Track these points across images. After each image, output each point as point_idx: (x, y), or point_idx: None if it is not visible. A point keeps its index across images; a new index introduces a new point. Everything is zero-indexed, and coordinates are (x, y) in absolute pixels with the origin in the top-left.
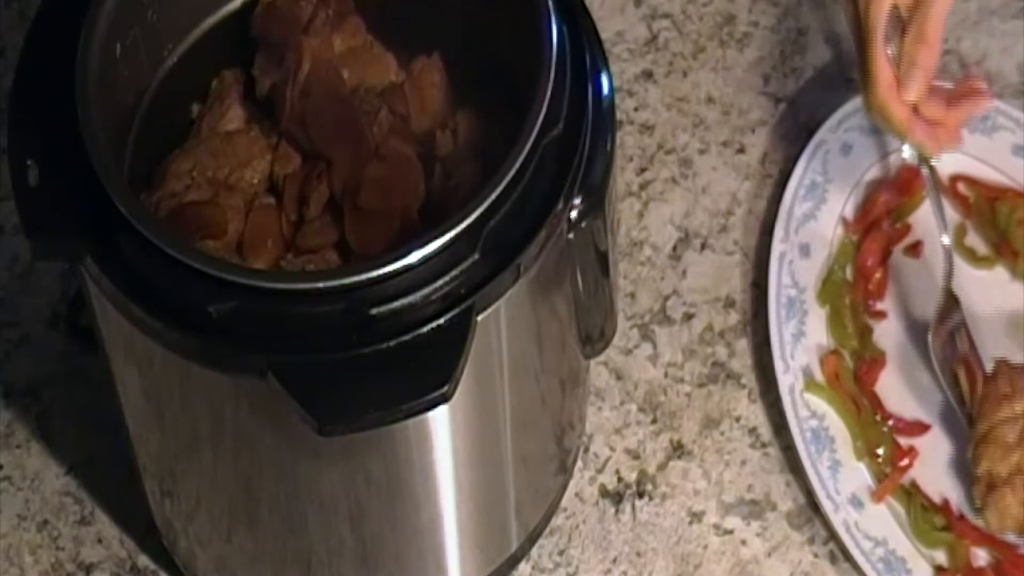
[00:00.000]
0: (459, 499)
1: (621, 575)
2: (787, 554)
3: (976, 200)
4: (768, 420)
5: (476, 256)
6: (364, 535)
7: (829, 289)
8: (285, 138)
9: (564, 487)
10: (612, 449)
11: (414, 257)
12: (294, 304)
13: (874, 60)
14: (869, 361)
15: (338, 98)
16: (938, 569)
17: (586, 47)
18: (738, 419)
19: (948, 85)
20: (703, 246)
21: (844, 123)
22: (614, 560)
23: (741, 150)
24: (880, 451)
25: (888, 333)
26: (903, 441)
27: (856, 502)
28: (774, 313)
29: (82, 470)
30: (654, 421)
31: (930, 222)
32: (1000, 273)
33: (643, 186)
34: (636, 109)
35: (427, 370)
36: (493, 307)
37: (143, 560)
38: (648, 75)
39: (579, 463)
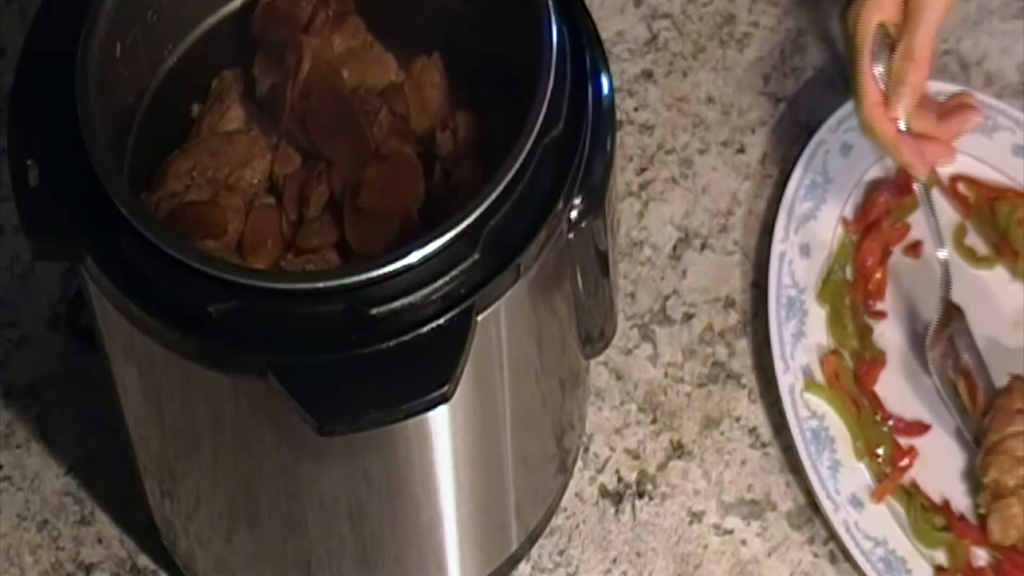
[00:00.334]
0: (459, 499)
1: (621, 575)
2: (787, 554)
3: (976, 200)
4: (768, 420)
5: (476, 256)
6: (364, 535)
7: (829, 289)
8: (285, 138)
9: (564, 487)
10: (612, 449)
11: (414, 257)
12: (294, 304)
13: (861, 78)
14: (869, 361)
15: (338, 98)
16: (938, 569)
17: (586, 47)
18: (738, 419)
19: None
20: (703, 246)
21: (844, 123)
22: (614, 560)
23: (741, 150)
24: (880, 451)
25: (888, 333)
26: (903, 441)
27: (856, 502)
28: (774, 313)
29: (82, 470)
30: (654, 421)
31: None
32: (1000, 273)
33: (643, 186)
34: (636, 109)
35: (427, 370)
36: (493, 307)
37: (143, 560)
38: (648, 75)
39: (579, 463)
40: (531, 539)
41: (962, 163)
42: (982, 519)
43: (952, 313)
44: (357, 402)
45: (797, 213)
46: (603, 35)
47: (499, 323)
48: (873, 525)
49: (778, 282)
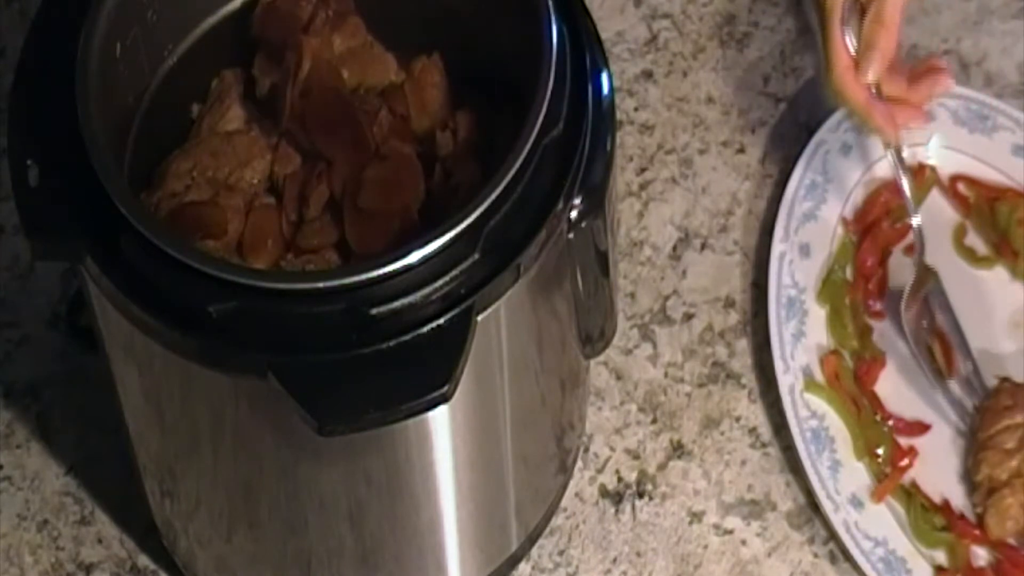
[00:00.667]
0: (459, 499)
1: (621, 575)
2: (787, 554)
3: (976, 200)
4: (768, 420)
5: (476, 256)
6: (364, 535)
7: (829, 289)
8: (285, 138)
9: (564, 487)
10: (612, 449)
11: (414, 257)
12: (294, 304)
13: (831, 42)
14: (869, 361)
15: (338, 98)
16: (938, 569)
17: (586, 47)
18: (738, 419)
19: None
20: (703, 246)
21: (844, 123)
22: (614, 560)
23: (741, 150)
24: (880, 451)
25: (888, 333)
26: (903, 441)
27: (856, 502)
28: (774, 313)
29: (82, 470)
30: (654, 421)
31: (930, 222)
32: (1000, 273)
33: (643, 186)
34: (636, 109)
35: (427, 370)
36: (493, 307)
37: (143, 560)
38: (648, 75)
39: (579, 463)
40: (531, 539)
41: (962, 163)
42: (980, 518)
43: (927, 275)
44: (357, 402)
45: (797, 213)
46: (603, 35)
47: (499, 323)
48: (873, 525)
49: (778, 282)
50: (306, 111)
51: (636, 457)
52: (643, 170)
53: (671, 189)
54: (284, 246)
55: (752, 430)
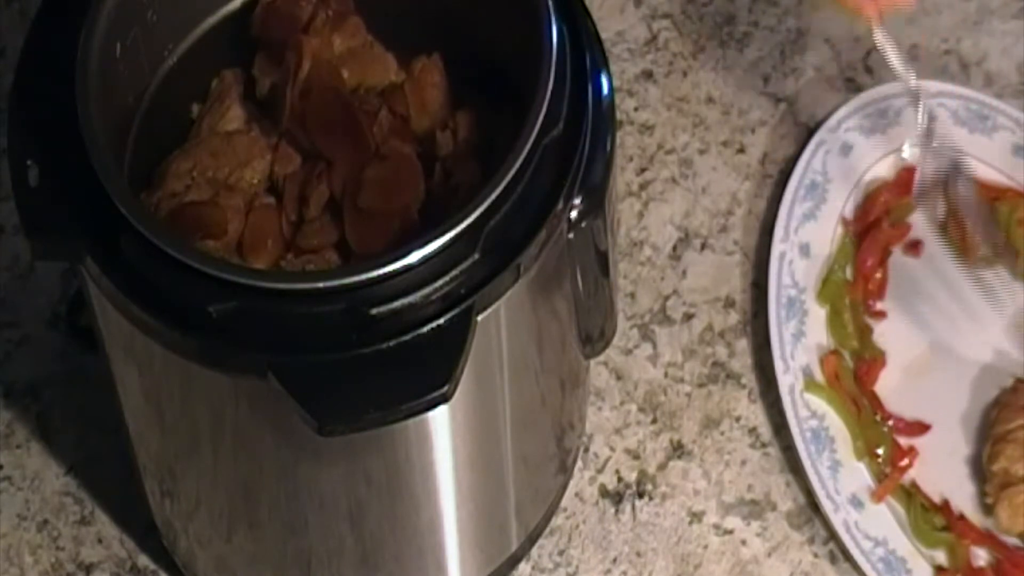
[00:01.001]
0: (459, 499)
1: (621, 575)
2: (787, 554)
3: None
4: (768, 420)
5: (476, 256)
6: (364, 535)
7: (829, 289)
8: (285, 138)
9: (564, 487)
10: (612, 449)
11: (414, 257)
12: (294, 304)
13: None
14: (869, 361)
15: (338, 98)
16: (938, 569)
17: (586, 47)
18: (738, 419)
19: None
20: (703, 246)
21: (844, 123)
22: (614, 560)
23: (741, 150)
24: (880, 451)
25: (888, 333)
26: (903, 441)
27: (856, 502)
28: (774, 313)
29: (82, 470)
30: (654, 421)
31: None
32: (1000, 273)
33: (643, 186)
34: (636, 109)
35: (427, 370)
36: (493, 307)
37: (143, 560)
38: (648, 75)
39: (579, 463)
40: (531, 539)
41: None
42: (989, 509)
43: (945, 155)
44: (357, 402)
45: (797, 213)
46: (603, 35)
47: (499, 323)
48: (873, 525)
49: (778, 282)
50: (306, 111)
51: (636, 457)
52: (643, 170)
53: (671, 189)
54: (284, 246)
55: (752, 430)
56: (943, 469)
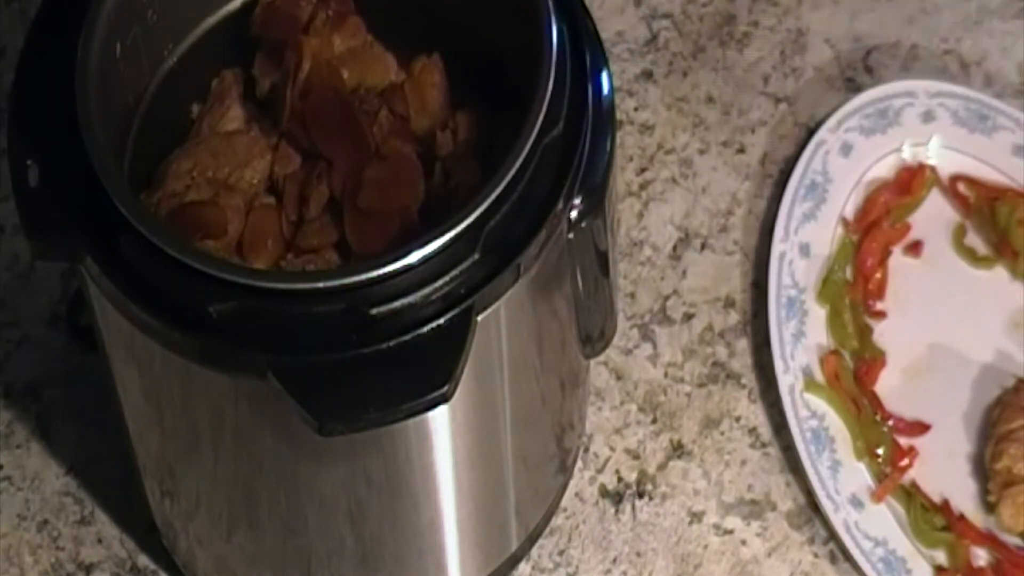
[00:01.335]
0: (459, 499)
1: (621, 575)
2: (787, 554)
3: (976, 200)
4: (768, 420)
5: (476, 256)
6: (364, 535)
7: (829, 289)
8: (285, 138)
9: (564, 487)
10: (612, 449)
11: (414, 257)
12: (294, 304)
13: None
14: (869, 361)
15: (338, 98)
16: (938, 569)
17: (586, 47)
18: (738, 419)
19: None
20: (703, 246)
21: (844, 123)
22: (614, 560)
23: (741, 150)
24: (880, 451)
25: (888, 333)
26: (903, 441)
27: (856, 502)
28: (774, 313)
29: (82, 470)
30: (654, 421)
31: (930, 222)
32: (1000, 273)
33: (643, 186)
34: (636, 109)
35: (427, 370)
36: (493, 307)
37: (143, 560)
38: (648, 75)
39: (579, 463)
40: (531, 539)
41: (962, 163)
42: (991, 507)
43: None
44: (357, 402)
45: (797, 213)
46: (603, 35)
47: (499, 323)
48: (873, 525)
49: (778, 282)
50: (306, 111)
51: (636, 457)
52: (643, 170)
53: (671, 189)
54: (284, 246)
55: (752, 430)
56: (943, 469)
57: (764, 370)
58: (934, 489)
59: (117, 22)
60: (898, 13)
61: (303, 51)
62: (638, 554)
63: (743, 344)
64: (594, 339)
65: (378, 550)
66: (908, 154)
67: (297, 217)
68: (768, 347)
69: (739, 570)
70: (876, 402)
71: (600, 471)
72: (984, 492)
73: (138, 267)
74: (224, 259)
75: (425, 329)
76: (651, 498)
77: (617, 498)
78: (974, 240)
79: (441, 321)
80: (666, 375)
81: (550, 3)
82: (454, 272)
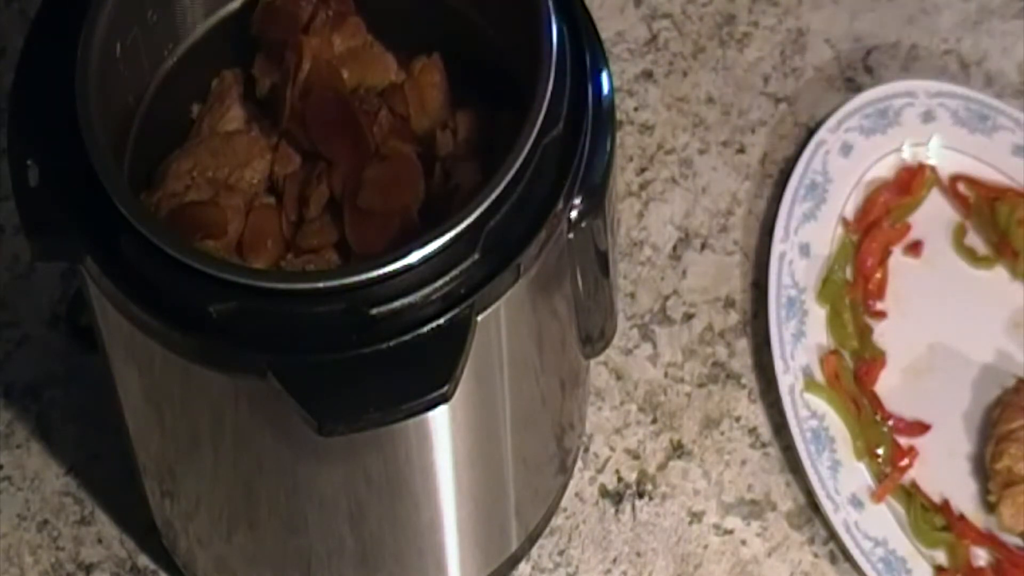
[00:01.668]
0: (459, 499)
1: (621, 575)
2: (787, 554)
3: (976, 200)
4: (768, 420)
5: (476, 256)
6: (364, 535)
7: (829, 289)
8: (285, 138)
9: (564, 487)
10: (612, 449)
11: (414, 257)
12: (294, 304)
13: None
14: (869, 361)
15: (338, 98)
16: (938, 569)
17: (586, 47)
18: (738, 419)
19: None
20: (703, 246)
21: (844, 123)
22: (614, 560)
23: (741, 150)
24: (880, 451)
25: (888, 333)
26: (903, 441)
27: (856, 502)
28: (774, 313)
29: (82, 470)
30: (654, 421)
31: (930, 222)
32: (1000, 273)
33: (643, 186)
34: (636, 109)
35: (427, 370)
36: (493, 307)
37: (143, 560)
38: (648, 75)
39: (579, 463)
40: (531, 539)
41: (962, 163)
42: (991, 507)
43: None
44: (357, 402)
45: (797, 213)
46: (603, 35)
47: (499, 323)
48: (873, 525)
49: (778, 282)
50: (306, 111)
51: (636, 457)
52: (643, 170)
53: (671, 189)
54: (284, 246)
55: (752, 430)
56: (943, 469)
57: (764, 370)
58: (934, 489)
59: (117, 22)
60: (898, 13)
61: (303, 51)
62: (638, 554)
63: (743, 344)
64: (594, 339)
65: (378, 550)
66: (908, 154)
67: (297, 217)
68: (768, 347)
69: (739, 570)
70: (876, 402)
71: (600, 471)
72: (984, 492)
73: (138, 267)
74: (224, 259)
75: (425, 329)
76: (651, 498)
77: (617, 498)
78: (974, 240)
79: (441, 321)
80: (666, 375)
81: (550, 3)
82: (454, 272)
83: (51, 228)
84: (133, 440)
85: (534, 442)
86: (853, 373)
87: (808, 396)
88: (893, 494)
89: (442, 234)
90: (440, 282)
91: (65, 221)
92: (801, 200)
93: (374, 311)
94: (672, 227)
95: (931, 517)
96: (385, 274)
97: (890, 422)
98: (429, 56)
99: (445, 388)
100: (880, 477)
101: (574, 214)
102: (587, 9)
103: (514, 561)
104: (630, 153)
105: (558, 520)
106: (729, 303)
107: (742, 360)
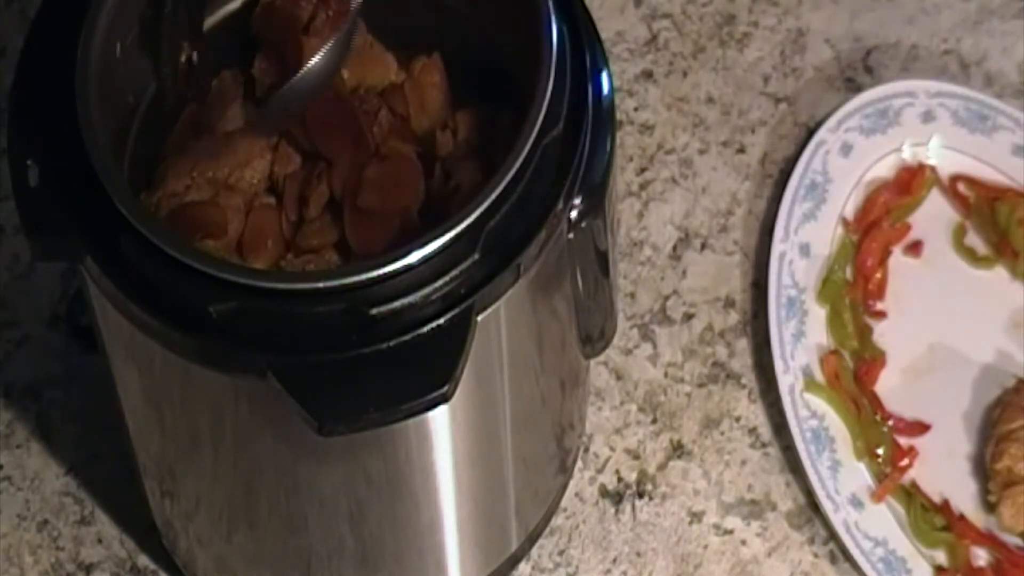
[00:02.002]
0: (459, 499)
1: (621, 575)
2: (787, 554)
3: (976, 200)
4: (768, 420)
5: (476, 256)
6: (364, 535)
7: (829, 289)
8: (285, 138)
9: (564, 487)
10: (612, 449)
11: (414, 257)
12: (294, 304)
13: None
14: (869, 361)
15: (338, 98)
16: (938, 569)
17: (586, 47)
18: (738, 419)
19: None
20: (703, 246)
21: (844, 123)
22: (614, 560)
23: (741, 150)
24: (880, 451)
25: (888, 333)
26: (903, 441)
27: (856, 502)
28: (774, 313)
29: (82, 470)
30: (654, 421)
31: (930, 222)
32: (1000, 273)
33: (643, 186)
34: (636, 109)
35: (427, 370)
36: (493, 307)
37: (143, 560)
38: (648, 75)
39: (579, 463)
40: (531, 539)
41: (962, 163)
42: (991, 507)
43: None
44: (357, 402)
45: (797, 213)
46: (603, 35)
47: (499, 323)
48: (873, 525)
49: (778, 282)
50: (306, 111)
51: (636, 457)
52: (643, 170)
53: (671, 189)
54: (284, 246)
55: (752, 430)
56: (943, 469)
57: (764, 370)
58: (934, 489)
59: (117, 22)
60: (898, 13)
61: (303, 51)
62: (638, 554)
63: (743, 344)
64: (594, 339)
65: (378, 550)
66: (908, 154)
67: (297, 217)
68: (768, 347)
69: (739, 570)
70: (876, 402)
71: (600, 471)
72: (984, 492)
73: (138, 267)
74: (224, 259)
75: (425, 329)
76: (651, 498)
77: (617, 498)
78: (974, 240)
79: (441, 321)
80: (666, 375)
81: (550, 3)
82: (454, 272)
83: (51, 228)
84: (133, 440)
85: (534, 442)
86: (853, 373)
87: (808, 396)
88: (893, 494)
89: (442, 234)
90: (440, 282)
91: (65, 221)
92: (801, 200)
93: (374, 311)
94: (672, 227)
95: (931, 517)
96: (385, 274)
97: (890, 422)
98: (429, 56)
99: (445, 388)
100: (880, 477)
101: (574, 214)
102: (587, 9)
103: (514, 561)
104: (630, 153)
105: (558, 520)
106: (729, 303)
107: (742, 360)
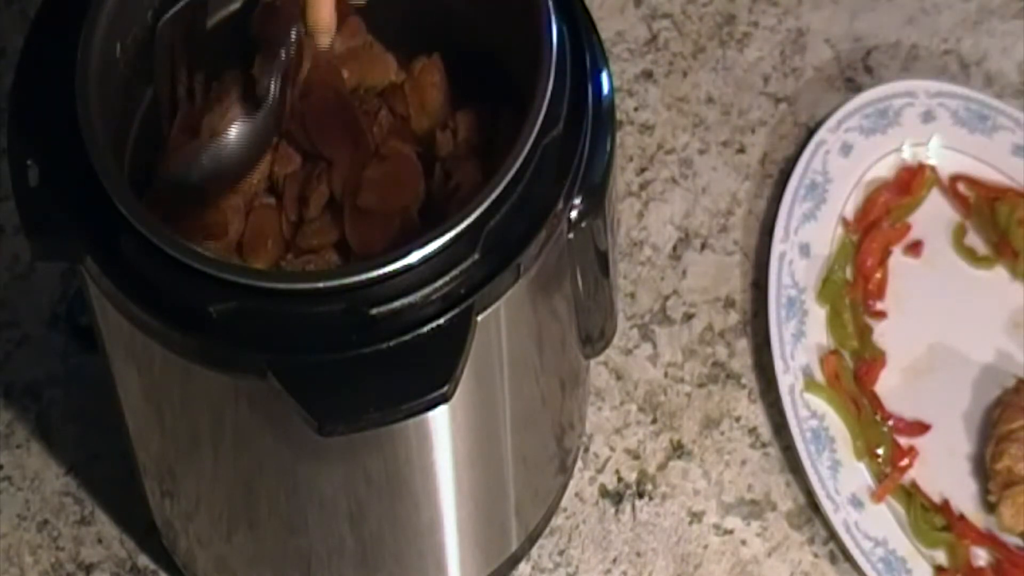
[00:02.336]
0: (459, 499)
1: (621, 575)
2: (787, 554)
3: (976, 200)
4: (768, 420)
5: (476, 256)
6: (364, 535)
7: (829, 289)
8: (285, 138)
9: (564, 487)
10: (612, 449)
11: (414, 257)
12: (294, 304)
13: None
14: (869, 361)
15: (338, 98)
16: (938, 569)
17: (586, 47)
18: (738, 419)
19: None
20: (703, 246)
21: (844, 123)
22: (614, 560)
23: (741, 150)
24: (880, 451)
25: (888, 333)
26: (903, 441)
27: (856, 502)
28: (774, 313)
29: (82, 470)
30: (654, 421)
31: (930, 222)
32: (1000, 273)
33: (643, 186)
34: (636, 109)
35: (427, 370)
36: (493, 307)
37: (143, 560)
38: (648, 75)
39: (579, 463)
40: (531, 539)
41: (962, 163)
42: (991, 507)
43: None
44: (357, 402)
45: (797, 213)
46: (603, 35)
47: (499, 323)
48: (873, 525)
49: (778, 282)
50: (306, 111)
51: (636, 457)
52: (643, 170)
53: (671, 189)
54: (284, 246)
55: (752, 430)
56: (943, 469)
57: (764, 370)
58: (934, 489)
59: (117, 22)
60: (898, 13)
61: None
62: (638, 554)
63: (743, 344)
64: (594, 339)
65: (378, 550)
66: (908, 154)
67: (297, 217)
68: (768, 347)
69: (739, 570)
70: (876, 402)
71: (600, 471)
72: (984, 492)
73: (138, 267)
74: (224, 259)
75: (425, 329)
76: (651, 498)
77: (617, 498)
78: (974, 240)
79: (441, 321)
80: (666, 375)
81: (550, 3)
82: (454, 272)
83: (51, 228)
84: (133, 440)
85: (534, 442)
86: (853, 373)
87: (808, 396)
88: (893, 494)
89: (442, 234)
90: (440, 282)
91: (65, 221)
92: (801, 200)
93: (374, 311)
94: (672, 227)
95: (931, 517)
96: (385, 274)
97: (890, 422)
98: (429, 56)
99: (445, 388)
100: (880, 477)
101: (574, 214)
102: (587, 9)
103: (514, 561)
104: (630, 153)
105: (558, 520)
106: (729, 303)
107: (742, 360)
